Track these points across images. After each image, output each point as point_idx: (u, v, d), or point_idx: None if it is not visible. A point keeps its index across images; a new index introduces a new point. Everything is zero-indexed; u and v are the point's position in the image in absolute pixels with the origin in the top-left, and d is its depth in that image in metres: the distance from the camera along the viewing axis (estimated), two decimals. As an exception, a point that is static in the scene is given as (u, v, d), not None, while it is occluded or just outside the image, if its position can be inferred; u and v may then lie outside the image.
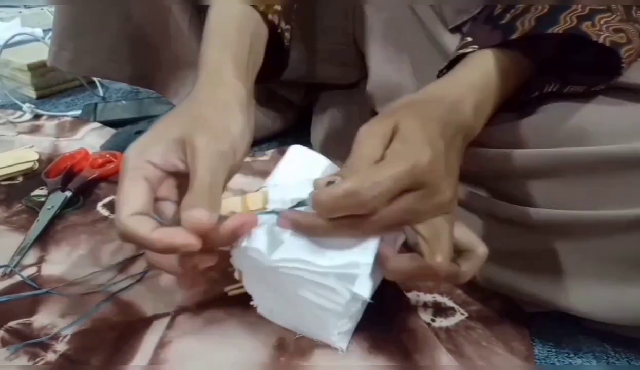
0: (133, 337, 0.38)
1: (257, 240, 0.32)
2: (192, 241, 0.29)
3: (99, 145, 0.69)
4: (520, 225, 0.38)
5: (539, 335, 0.40)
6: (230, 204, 0.32)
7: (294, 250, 0.32)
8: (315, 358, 0.36)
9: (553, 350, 0.39)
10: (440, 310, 0.42)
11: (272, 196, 0.33)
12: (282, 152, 0.39)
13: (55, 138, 0.73)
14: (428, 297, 0.43)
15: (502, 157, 0.38)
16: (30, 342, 0.37)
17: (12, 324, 0.39)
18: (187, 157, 0.32)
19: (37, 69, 0.90)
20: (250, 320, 0.39)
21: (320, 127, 0.68)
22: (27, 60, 0.90)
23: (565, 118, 0.37)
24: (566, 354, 0.39)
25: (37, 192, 0.58)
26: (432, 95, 0.36)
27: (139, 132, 0.60)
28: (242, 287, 0.38)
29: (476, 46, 0.38)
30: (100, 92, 0.92)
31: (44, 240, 0.50)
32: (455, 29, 0.48)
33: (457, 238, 0.32)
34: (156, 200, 0.33)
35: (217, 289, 0.42)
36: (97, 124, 0.78)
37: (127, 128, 0.74)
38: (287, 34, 0.46)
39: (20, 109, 0.83)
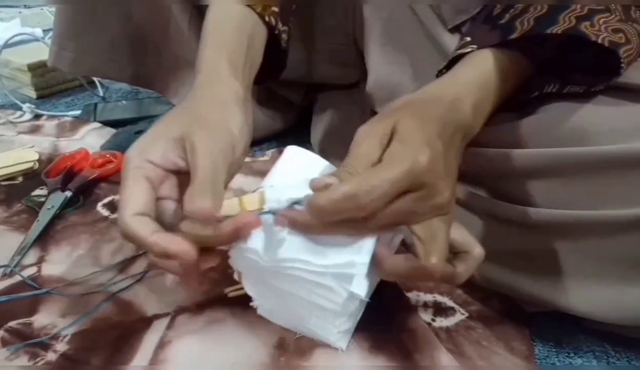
0: (133, 337, 0.38)
1: (255, 241, 0.33)
2: (187, 249, 0.30)
3: (99, 145, 0.69)
4: (520, 225, 0.38)
5: (540, 335, 0.40)
6: (227, 205, 0.32)
7: (291, 250, 0.32)
8: (315, 358, 0.36)
9: (553, 350, 0.39)
10: (440, 310, 0.42)
11: (268, 197, 0.33)
12: (282, 152, 0.39)
13: (56, 138, 0.73)
14: (428, 297, 0.43)
15: (502, 157, 0.38)
16: (30, 342, 0.38)
17: (13, 323, 0.39)
18: (187, 155, 0.32)
19: (37, 69, 0.90)
20: (250, 320, 0.39)
21: (320, 127, 0.68)
22: (27, 60, 0.90)
23: (565, 118, 0.37)
24: (566, 354, 0.39)
25: (37, 192, 0.58)
26: (431, 94, 0.36)
27: (139, 132, 0.60)
28: (241, 288, 0.38)
29: (475, 46, 0.38)
30: (100, 92, 0.92)
31: (44, 240, 0.50)
32: (455, 29, 0.48)
33: (453, 239, 0.32)
34: (158, 199, 0.33)
35: (218, 289, 0.42)
36: (97, 124, 0.78)
37: (127, 128, 0.74)
38: (284, 35, 0.47)
39: (20, 109, 0.83)
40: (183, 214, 0.31)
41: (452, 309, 0.42)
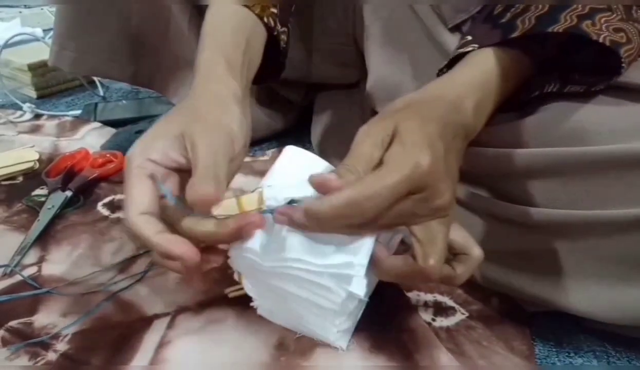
0: (133, 336, 0.38)
1: (253, 241, 0.33)
2: (190, 253, 0.30)
3: (99, 145, 0.69)
4: (520, 225, 0.38)
5: (540, 334, 0.40)
6: (225, 205, 0.32)
7: (290, 250, 0.32)
8: (315, 357, 0.36)
9: (554, 349, 0.39)
10: (440, 309, 0.42)
11: (267, 197, 0.33)
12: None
13: (56, 138, 0.73)
14: (428, 297, 0.43)
15: (502, 157, 0.38)
16: (30, 341, 0.38)
17: (13, 323, 0.39)
18: (187, 152, 0.32)
19: (37, 69, 0.91)
20: (250, 319, 0.39)
21: (320, 126, 0.68)
22: (28, 60, 0.90)
23: (565, 118, 0.37)
24: (567, 354, 0.39)
25: (37, 191, 0.58)
26: (432, 94, 0.36)
27: (139, 132, 0.60)
28: (241, 288, 0.38)
29: (476, 45, 0.38)
30: (101, 91, 0.92)
31: (44, 239, 0.50)
32: (455, 28, 0.48)
33: (452, 240, 0.32)
34: (161, 197, 0.33)
35: (218, 289, 0.42)
36: (97, 124, 0.78)
37: (127, 128, 0.74)
38: (283, 36, 0.47)
39: (20, 108, 0.83)
40: (185, 210, 0.31)
41: (453, 308, 0.42)
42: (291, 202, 0.32)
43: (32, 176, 0.62)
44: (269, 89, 0.71)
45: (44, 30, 1.13)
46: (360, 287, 0.32)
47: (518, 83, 0.39)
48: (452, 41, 0.47)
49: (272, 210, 0.32)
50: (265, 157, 0.68)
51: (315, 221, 0.29)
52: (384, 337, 0.38)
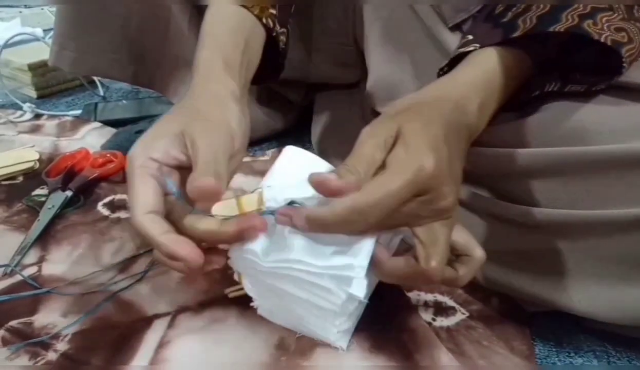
0: (134, 336, 0.38)
1: (253, 242, 0.33)
2: (193, 255, 0.30)
3: (99, 144, 0.69)
4: (521, 225, 0.38)
5: (540, 334, 0.40)
6: (225, 205, 0.32)
7: (290, 251, 0.32)
8: (315, 357, 0.36)
9: (554, 349, 0.39)
10: (441, 309, 0.42)
11: (267, 197, 0.33)
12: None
13: (56, 138, 0.73)
14: (429, 297, 0.43)
15: (503, 156, 0.38)
16: (31, 341, 0.38)
17: (13, 323, 0.39)
18: (188, 149, 0.33)
19: (37, 69, 0.91)
20: (251, 319, 0.39)
21: (320, 126, 0.68)
22: (28, 60, 0.90)
23: (565, 117, 0.37)
24: (567, 354, 0.39)
25: (37, 191, 0.58)
26: (435, 95, 0.35)
27: (139, 132, 0.60)
28: (242, 288, 0.38)
29: (477, 44, 0.38)
30: (101, 91, 0.92)
31: (44, 239, 0.50)
32: (455, 27, 0.48)
33: (455, 241, 0.32)
34: (166, 195, 0.33)
35: (218, 289, 0.42)
36: (97, 124, 0.78)
37: (127, 128, 0.74)
38: (282, 37, 0.47)
39: (20, 108, 0.83)
40: (188, 208, 0.31)
41: (453, 308, 0.42)
42: (291, 203, 0.32)
43: (32, 176, 0.62)
44: (269, 88, 0.71)
45: (44, 30, 1.13)
46: (360, 289, 0.32)
47: (520, 83, 0.39)
48: (452, 40, 0.47)
49: (272, 212, 0.32)
50: (265, 157, 0.68)
51: (318, 227, 0.29)
52: (384, 337, 0.38)
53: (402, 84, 0.51)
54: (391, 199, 0.28)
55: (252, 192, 0.34)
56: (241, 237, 0.32)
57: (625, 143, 0.34)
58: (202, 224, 0.31)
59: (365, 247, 0.32)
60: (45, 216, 0.52)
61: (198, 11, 0.63)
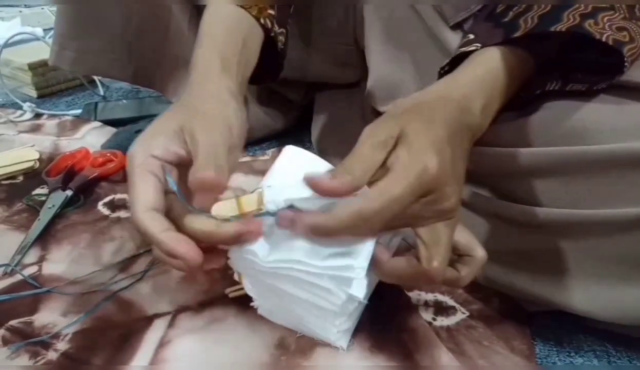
0: (134, 336, 0.38)
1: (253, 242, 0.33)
2: (192, 253, 0.30)
3: (99, 144, 0.69)
4: (521, 224, 0.38)
5: (540, 334, 0.40)
6: (225, 205, 0.32)
7: (290, 251, 0.32)
8: (315, 357, 0.36)
9: (554, 349, 0.39)
10: (441, 309, 0.42)
11: (266, 197, 0.32)
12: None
13: (56, 137, 0.73)
14: (429, 296, 0.43)
15: (504, 156, 0.38)
16: (31, 341, 0.38)
17: (13, 322, 0.39)
18: (187, 144, 0.33)
19: (37, 68, 0.91)
20: (251, 319, 0.39)
21: (320, 126, 0.68)
22: (28, 60, 0.90)
23: (566, 117, 0.37)
24: (567, 353, 0.39)
25: (37, 191, 0.58)
26: (439, 94, 0.35)
27: (139, 131, 0.60)
28: (242, 288, 0.38)
29: (479, 44, 0.38)
30: (101, 91, 0.92)
31: (44, 239, 0.50)
32: (456, 26, 0.47)
33: (457, 241, 0.32)
34: (166, 193, 0.33)
35: (218, 289, 0.42)
36: (97, 123, 0.78)
37: (127, 127, 0.74)
38: (281, 37, 0.47)
39: (20, 108, 0.83)
40: (188, 205, 0.31)
41: (453, 308, 0.42)
42: (291, 206, 0.32)
43: (33, 175, 0.62)
44: (269, 88, 0.71)
45: (45, 30, 1.13)
46: (360, 290, 0.32)
47: (522, 82, 0.39)
48: (453, 39, 0.47)
49: (273, 213, 0.32)
50: (265, 157, 0.68)
51: (322, 235, 0.29)
52: (384, 336, 0.38)
53: (402, 83, 0.51)
54: (396, 204, 0.28)
55: (252, 192, 0.34)
56: (238, 240, 0.32)
57: (626, 142, 0.33)
58: (200, 225, 0.31)
59: (366, 248, 0.32)
60: (45, 216, 0.52)
61: (198, 11, 0.63)
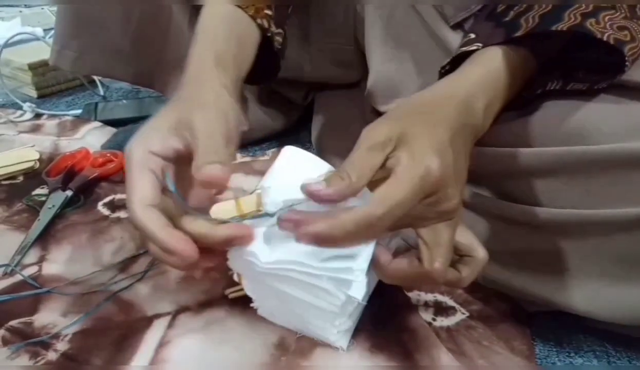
0: (134, 336, 0.38)
1: (252, 243, 0.33)
2: (188, 250, 0.30)
3: (99, 144, 0.69)
4: (522, 224, 0.38)
5: (540, 334, 0.40)
6: (223, 207, 0.32)
7: (289, 252, 0.32)
8: (315, 357, 0.36)
9: (554, 349, 0.39)
10: (441, 309, 0.42)
11: (265, 199, 0.32)
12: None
13: (56, 137, 0.73)
14: (429, 297, 0.43)
15: (504, 156, 0.38)
16: (31, 341, 0.38)
17: (13, 323, 0.39)
18: (186, 138, 0.33)
19: (37, 68, 0.91)
20: (251, 319, 0.39)
21: (321, 126, 0.68)
22: (28, 60, 0.90)
23: (567, 117, 0.37)
24: (567, 353, 0.39)
25: (37, 191, 0.58)
26: (441, 94, 0.35)
27: (139, 132, 0.60)
28: (241, 289, 0.38)
29: (480, 44, 0.38)
30: (101, 91, 0.92)
31: (44, 239, 0.50)
32: (457, 26, 0.47)
33: (458, 242, 0.32)
34: (164, 191, 0.33)
35: (218, 289, 0.42)
36: (97, 123, 0.78)
37: (127, 127, 0.74)
38: (278, 38, 0.47)
39: (21, 108, 0.83)
40: (185, 205, 0.31)
41: (453, 308, 0.42)
42: (291, 205, 0.32)
43: (33, 176, 0.62)
44: (269, 88, 0.71)
45: (45, 30, 1.13)
46: (359, 291, 0.32)
47: (524, 82, 0.39)
48: (454, 38, 0.46)
49: (272, 214, 0.32)
50: (265, 157, 0.68)
51: (326, 243, 0.29)
52: (384, 337, 0.38)
53: (403, 83, 0.51)
54: (399, 208, 0.28)
55: (251, 193, 0.34)
56: (229, 244, 0.32)
57: (627, 142, 0.33)
58: (194, 226, 0.31)
59: (365, 249, 0.32)
60: (45, 216, 0.52)
61: (198, 11, 0.62)
